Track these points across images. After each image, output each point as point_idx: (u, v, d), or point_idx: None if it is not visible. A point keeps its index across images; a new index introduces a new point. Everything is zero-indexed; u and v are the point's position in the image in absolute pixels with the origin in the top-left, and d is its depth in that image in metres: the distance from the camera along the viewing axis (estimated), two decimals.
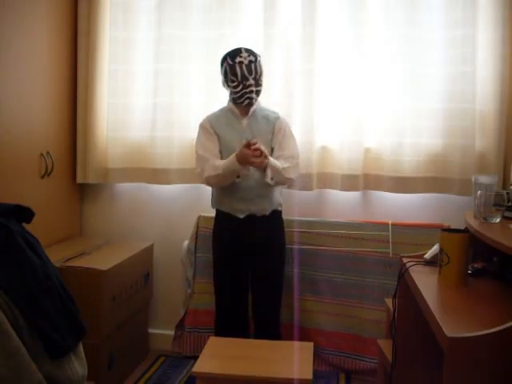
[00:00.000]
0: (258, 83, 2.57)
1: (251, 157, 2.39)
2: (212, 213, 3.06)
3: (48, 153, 2.88)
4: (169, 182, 3.12)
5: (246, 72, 2.52)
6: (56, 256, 2.61)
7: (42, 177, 2.85)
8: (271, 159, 2.49)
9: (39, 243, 1.53)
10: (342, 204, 3.07)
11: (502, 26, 2.75)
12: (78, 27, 3.11)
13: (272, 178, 2.51)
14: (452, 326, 1.38)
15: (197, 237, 3.06)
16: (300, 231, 2.95)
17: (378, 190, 2.99)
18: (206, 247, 3.02)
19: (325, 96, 2.97)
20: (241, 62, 2.53)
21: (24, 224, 1.53)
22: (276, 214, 2.65)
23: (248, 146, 2.40)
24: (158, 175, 3.12)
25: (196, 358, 2.23)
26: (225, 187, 2.59)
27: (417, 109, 2.88)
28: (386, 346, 2.33)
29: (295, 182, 2.66)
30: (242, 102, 2.57)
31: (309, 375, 2.03)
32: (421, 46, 2.85)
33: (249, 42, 2.99)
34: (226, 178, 2.52)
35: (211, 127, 2.63)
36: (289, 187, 2.76)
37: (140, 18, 3.11)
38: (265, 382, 2.04)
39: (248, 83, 2.53)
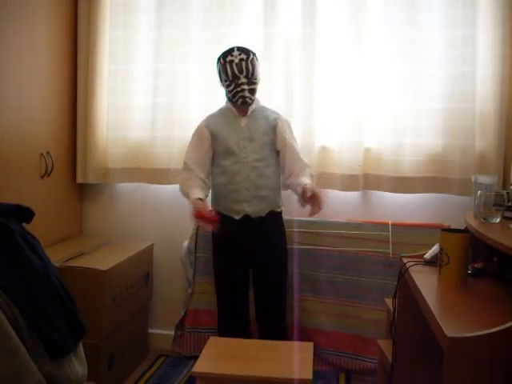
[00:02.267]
0: (250, 81, 2.55)
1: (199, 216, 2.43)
2: None
3: (48, 153, 2.88)
4: (169, 182, 3.12)
5: (236, 71, 2.52)
6: (56, 256, 2.61)
7: (42, 177, 2.85)
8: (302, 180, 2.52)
9: (39, 243, 1.53)
10: (342, 204, 3.07)
11: (501, 26, 2.75)
12: (78, 27, 3.11)
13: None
14: (452, 326, 1.38)
15: (197, 237, 3.06)
16: (300, 231, 2.95)
17: (378, 190, 2.99)
18: (206, 247, 3.02)
19: (325, 96, 2.97)
20: (231, 61, 2.53)
21: (24, 224, 1.53)
22: (274, 215, 2.64)
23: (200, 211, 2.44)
24: (157, 175, 3.12)
25: (196, 357, 2.23)
26: (221, 188, 2.61)
27: (417, 109, 2.88)
28: (386, 345, 2.33)
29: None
30: (237, 101, 2.56)
31: (309, 375, 2.03)
32: (421, 46, 2.85)
33: (249, 42, 2.99)
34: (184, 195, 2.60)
35: (207, 127, 2.64)
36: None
37: (140, 18, 3.11)
38: (265, 382, 2.04)
39: (239, 82, 2.52)
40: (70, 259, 2.67)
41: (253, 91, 2.57)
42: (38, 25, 2.78)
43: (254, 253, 2.62)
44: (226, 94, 2.63)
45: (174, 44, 3.05)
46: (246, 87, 2.53)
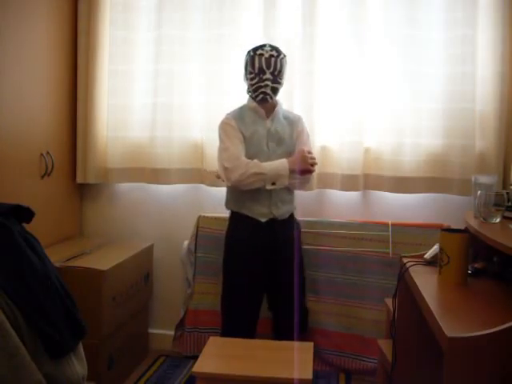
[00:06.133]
0: (275, 80, 2.47)
1: (309, 164, 2.46)
2: (212, 213, 3.08)
3: (48, 153, 2.88)
4: (169, 182, 3.12)
5: (264, 65, 2.45)
6: (56, 256, 2.61)
7: (42, 177, 2.85)
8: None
9: (39, 243, 1.53)
10: (342, 204, 3.07)
11: (502, 26, 2.75)
12: (78, 27, 3.11)
13: (274, 183, 2.49)
14: (452, 326, 1.38)
15: (197, 237, 3.06)
16: (300, 231, 2.95)
17: (378, 190, 2.99)
18: (206, 247, 3.02)
19: (325, 96, 2.97)
20: (261, 55, 2.46)
21: (24, 224, 1.53)
22: (292, 217, 2.66)
23: (303, 153, 2.47)
24: (158, 175, 3.11)
25: (196, 357, 2.23)
26: (247, 190, 2.50)
27: (417, 109, 2.88)
28: (386, 345, 2.33)
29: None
30: (257, 97, 2.49)
31: (309, 375, 2.03)
32: (421, 46, 2.85)
33: (249, 42, 2.99)
34: (266, 180, 2.46)
35: (237, 127, 2.52)
36: (306, 189, 2.81)
37: (140, 18, 3.11)
38: (265, 382, 2.04)
39: (264, 77, 2.45)
40: (69, 259, 2.67)
41: (275, 90, 2.51)
42: (38, 25, 2.78)
43: (273, 254, 2.57)
44: (248, 89, 2.56)
45: (174, 44, 3.05)
46: (269, 84, 2.46)
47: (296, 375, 2.00)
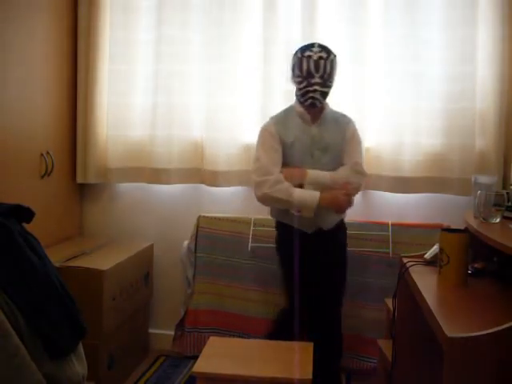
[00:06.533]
0: (325, 83, 2.30)
1: (345, 204, 2.32)
2: (212, 213, 3.08)
3: (48, 153, 2.88)
4: (169, 182, 3.12)
5: (312, 68, 2.28)
6: (56, 256, 2.61)
7: (42, 177, 2.85)
8: (313, 173, 2.34)
9: (39, 243, 1.53)
10: None
11: (501, 25, 2.75)
12: (78, 27, 3.11)
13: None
14: (452, 326, 1.38)
15: (197, 237, 3.06)
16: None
17: (378, 190, 2.98)
18: (206, 247, 3.02)
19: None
20: (309, 57, 2.29)
21: (24, 224, 1.53)
22: (341, 223, 2.53)
23: (338, 194, 2.29)
24: (158, 175, 3.11)
25: (196, 357, 2.23)
26: None
27: (417, 108, 2.88)
28: (386, 345, 2.33)
29: (358, 189, 2.45)
30: (305, 101, 2.33)
31: (309, 375, 2.03)
32: (421, 46, 2.85)
33: (249, 42, 3.00)
34: (292, 207, 2.34)
35: (277, 134, 2.36)
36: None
37: (140, 19, 3.10)
38: (265, 382, 2.04)
39: (313, 81, 2.28)
40: (69, 259, 2.67)
41: (325, 95, 2.33)
42: (39, 25, 2.78)
43: (327, 264, 2.47)
44: (296, 93, 2.40)
45: (174, 44, 3.05)
46: (318, 88, 2.29)
47: (296, 375, 2.01)
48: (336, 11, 2.94)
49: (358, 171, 2.42)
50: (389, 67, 2.90)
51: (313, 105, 2.33)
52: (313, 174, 2.32)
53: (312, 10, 2.92)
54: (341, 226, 2.54)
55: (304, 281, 2.42)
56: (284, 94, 2.97)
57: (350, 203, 2.36)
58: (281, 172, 2.35)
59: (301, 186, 2.33)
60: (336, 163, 2.39)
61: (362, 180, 2.45)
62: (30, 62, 2.73)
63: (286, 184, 2.31)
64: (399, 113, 2.90)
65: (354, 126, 2.46)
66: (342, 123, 2.43)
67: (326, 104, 2.41)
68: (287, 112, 2.44)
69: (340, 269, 2.55)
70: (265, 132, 2.39)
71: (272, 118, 2.44)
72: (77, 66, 3.13)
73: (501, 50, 2.77)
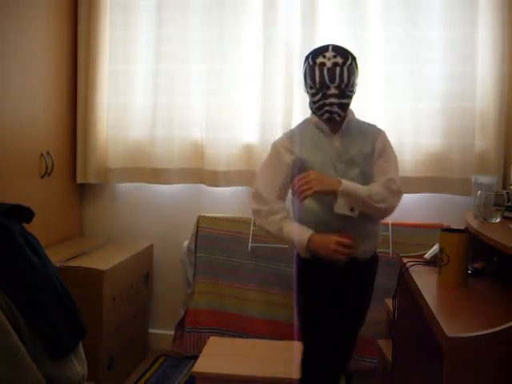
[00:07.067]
0: (343, 94, 1.92)
1: (339, 253, 1.87)
2: (212, 213, 3.09)
3: (48, 153, 2.88)
4: (169, 182, 3.12)
5: (326, 78, 1.90)
6: (56, 256, 2.61)
7: (42, 177, 2.85)
8: (349, 183, 1.91)
9: (39, 243, 1.53)
10: None
11: (501, 25, 2.75)
12: (79, 28, 3.11)
13: (352, 209, 1.91)
14: (452, 326, 1.38)
15: (197, 237, 3.06)
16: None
17: None
18: (206, 247, 3.02)
19: None
20: (322, 64, 1.91)
21: (24, 224, 1.53)
22: (376, 256, 2.12)
23: (332, 245, 1.88)
24: (158, 175, 3.11)
25: (196, 357, 2.23)
26: (317, 227, 1.96)
27: (417, 108, 2.88)
28: (386, 346, 2.33)
29: (392, 210, 2.02)
30: (322, 115, 1.96)
31: None
32: (421, 46, 2.85)
33: (249, 42, 3.00)
34: (281, 242, 2.17)
35: (291, 148, 2.01)
36: (383, 217, 2.08)
37: (140, 19, 3.10)
38: (265, 382, 2.04)
39: (329, 93, 1.90)
40: (69, 259, 2.67)
41: (344, 106, 1.95)
42: (39, 25, 2.78)
43: (356, 309, 2.14)
44: (310, 105, 2.02)
45: (174, 44, 3.05)
46: (335, 101, 1.91)
47: (296, 375, 2.01)
48: (336, 11, 2.94)
49: (393, 190, 1.98)
50: (389, 67, 2.90)
51: (330, 120, 1.96)
52: (348, 184, 1.91)
53: (312, 9, 2.92)
54: (375, 257, 2.11)
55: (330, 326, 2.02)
56: (284, 94, 2.98)
57: (345, 255, 1.91)
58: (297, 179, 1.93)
59: (334, 195, 1.91)
60: (366, 179, 1.99)
61: (397, 201, 2.02)
62: (30, 62, 2.73)
63: (280, 215, 1.98)
64: (399, 113, 2.90)
65: (384, 136, 2.09)
66: (370, 133, 2.07)
67: (349, 111, 2.04)
68: (302, 125, 2.09)
69: (366, 307, 2.17)
70: (273, 150, 2.05)
71: (285, 134, 2.09)
72: (77, 66, 3.13)
73: (501, 51, 2.77)
